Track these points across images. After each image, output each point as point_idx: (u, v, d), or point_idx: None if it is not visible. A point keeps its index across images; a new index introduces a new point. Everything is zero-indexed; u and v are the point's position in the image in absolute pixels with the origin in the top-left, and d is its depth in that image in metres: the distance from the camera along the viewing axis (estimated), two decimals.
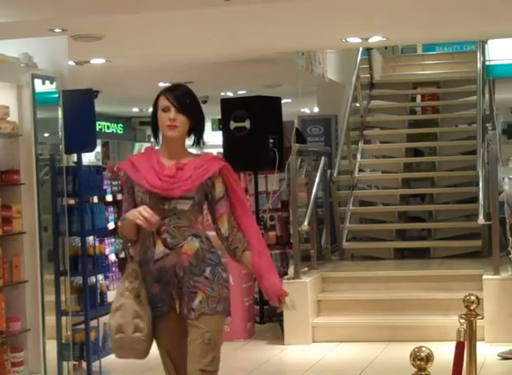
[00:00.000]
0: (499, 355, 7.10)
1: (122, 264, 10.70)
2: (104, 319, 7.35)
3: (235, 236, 3.98)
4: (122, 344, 3.90)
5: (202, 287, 3.87)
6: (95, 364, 6.64)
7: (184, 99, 3.88)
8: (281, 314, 8.13)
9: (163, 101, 3.88)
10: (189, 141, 3.99)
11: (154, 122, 3.95)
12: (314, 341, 8.05)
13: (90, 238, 6.74)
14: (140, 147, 20.39)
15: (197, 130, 3.96)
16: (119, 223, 3.96)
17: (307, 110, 17.24)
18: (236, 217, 3.98)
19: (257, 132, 8.81)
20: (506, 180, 11.83)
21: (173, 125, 3.85)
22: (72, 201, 6.66)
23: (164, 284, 3.88)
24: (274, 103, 9.25)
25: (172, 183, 3.84)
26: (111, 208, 10.26)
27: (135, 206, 3.85)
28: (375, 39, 9.14)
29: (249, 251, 3.98)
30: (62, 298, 6.47)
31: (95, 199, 7.15)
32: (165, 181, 3.84)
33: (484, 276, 7.89)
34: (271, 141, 8.95)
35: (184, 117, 3.86)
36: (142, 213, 3.73)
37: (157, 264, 3.86)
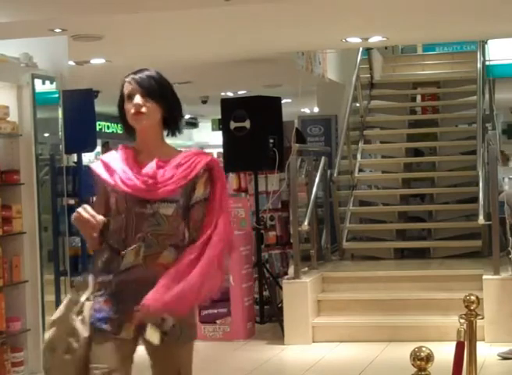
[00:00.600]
0: (499, 355, 7.10)
1: None
2: None
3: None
4: (51, 364, 3.32)
5: None
6: None
7: (151, 82, 3.37)
8: (281, 314, 8.14)
9: (127, 87, 3.37)
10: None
11: (122, 115, 3.42)
12: (314, 341, 8.05)
13: None
14: None
15: (171, 117, 3.44)
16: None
17: (307, 110, 17.25)
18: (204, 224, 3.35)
19: (257, 132, 8.81)
20: (506, 180, 11.83)
21: (140, 112, 3.33)
22: (72, 201, 6.66)
23: (119, 301, 3.30)
24: (274, 103, 9.24)
25: (153, 183, 3.32)
26: None
27: (106, 210, 3.37)
28: (375, 39, 9.14)
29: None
30: (62, 298, 6.47)
31: (95, 199, 7.14)
32: (143, 182, 3.32)
33: (484, 276, 7.89)
34: (271, 141, 8.94)
35: (153, 103, 3.35)
36: (81, 214, 3.25)
37: (119, 276, 3.30)
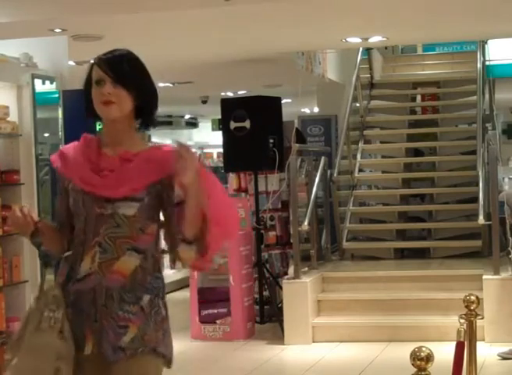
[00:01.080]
0: (499, 355, 7.10)
1: None
2: None
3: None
4: None
5: (135, 320, 2.90)
6: None
7: (123, 67, 2.93)
8: (281, 314, 8.14)
9: (96, 72, 2.95)
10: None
11: (88, 101, 3.01)
12: (314, 341, 8.05)
13: None
14: None
15: (145, 108, 3.00)
16: None
17: (307, 110, 17.24)
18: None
19: (257, 132, 8.81)
20: (506, 180, 11.84)
21: (108, 101, 2.92)
22: None
23: (77, 313, 2.93)
24: (274, 103, 9.25)
25: (114, 179, 2.92)
26: None
27: (68, 210, 3.00)
28: (375, 39, 9.14)
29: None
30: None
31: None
32: (103, 176, 2.93)
33: (484, 276, 7.89)
34: (271, 141, 8.94)
35: (124, 91, 2.92)
36: (15, 214, 2.92)
37: (76, 285, 2.93)
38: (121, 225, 2.91)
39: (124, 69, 2.93)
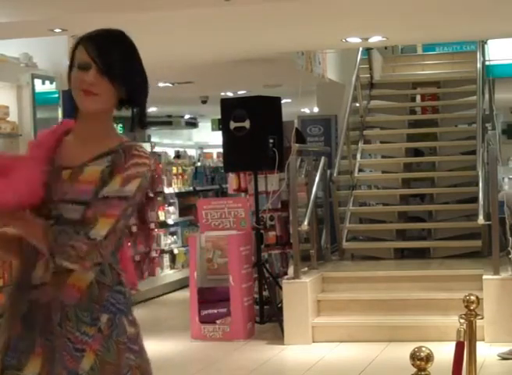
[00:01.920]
0: (499, 356, 7.10)
1: None
2: None
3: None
4: None
5: (93, 343, 2.49)
6: None
7: (113, 55, 2.53)
8: (281, 314, 8.14)
9: (81, 54, 2.54)
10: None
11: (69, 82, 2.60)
12: (314, 341, 8.05)
13: None
14: None
15: (132, 102, 2.61)
16: None
17: (307, 110, 17.24)
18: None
19: (257, 132, 8.81)
20: (506, 180, 11.84)
21: (90, 91, 2.54)
22: None
23: (29, 326, 2.53)
24: (274, 103, 9.25)
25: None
26: None
27: None
28: (375, 39, 9.14)
29: None
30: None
31: None
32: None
33: (484, 276, 7.89)
34: (271, 141, 8.94)
35: (110, 83, 2.52)
36: None
37: (33, 293, 2.56)
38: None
39: (114, 57, 2.52)
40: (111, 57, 2.52)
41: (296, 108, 15.37)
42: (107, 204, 2.49)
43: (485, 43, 11.51)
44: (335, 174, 9.72)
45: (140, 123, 2.66)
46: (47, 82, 6.67)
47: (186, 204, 12.62)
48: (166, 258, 11.94)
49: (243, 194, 9.60)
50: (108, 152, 2.56)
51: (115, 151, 2.56)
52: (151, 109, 17.78)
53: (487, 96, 11.32)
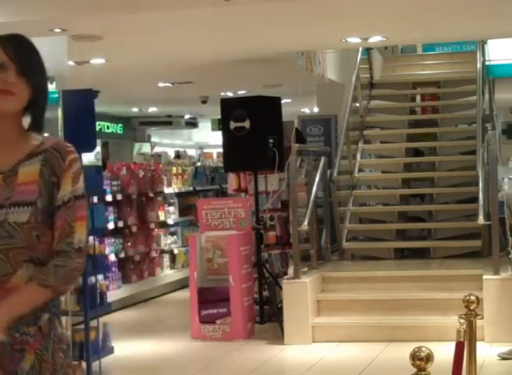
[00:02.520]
0: (499, 356, 7.10)
1: (122, 264, 10.75)
2: (104, 319, 7.37)
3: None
4: None
5: (33, 343, 2.49)
6: (95, 364, 6.64)
7: (30, 56, 2.57)
8: (281, 314, 8.14)
9: None
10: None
11: None
12: (314, 341, 8.05)
13: (90, 238, 6.73)
14: (139, 147, 20.41)
15: (35, 104, 2.58)
16: None
17: (307, 110, 17.25)
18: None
19: (257, 132, 8.81)
20: (506, 180, 11.84)
21: (8, 91, 2.50)
22: None
23: None
24: (274, 103, 9.25)
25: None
26: (110, 208, 10.30)
27: None
28: (375, 39, 9.14)
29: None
30: (62, 298, 6.45)
31: (95, 199, 7.15)
32: None
33: (484, 276, 7.89)
34: (271, 141, 8.95)
35: (24, 83, 2.52)
36: None
37: None
38: (14, 235, 2.49)
39: (31, 59, 2.56)
40: (29, 58, 2.55)
41: (296, 108, 15.37)
42: (72, 208, 2.53)
43: (485, 43, 11.52)
44: (335, 174, 9.72)
45: (39, 126, 2.63)
46: None
47: (186, 204, 12.62)
48: (166, 258, 11.95)
49: (243, 194, 9.60)
50: (38, 152, 2.58)
51: (44, 151, 2.57)
52: (151, 109, 17.79)
53: (487, 96, 11.33)
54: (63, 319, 2.74)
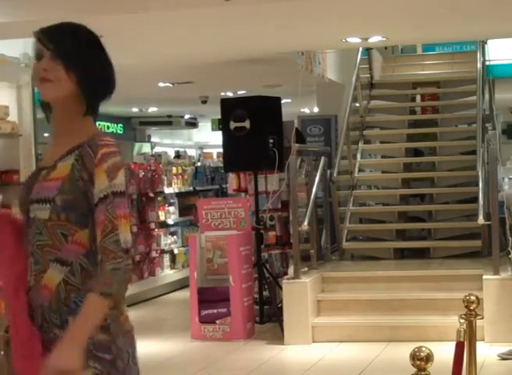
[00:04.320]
0: (499, 356, 7.10)
1: None
2: None
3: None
4: None
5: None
6: None
7: (65, 38, 2.47)
8: (281, 314, 8.14)
9: (35, 45, 2.50)
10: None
11: None
12: (314, 341, 8.05)
13: None
14: (140, 147, 20.41)
15: (82, 88, 2.48)
16: None
17: (307, 110, 17.24)
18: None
19: (257, 132, 8.81)
20: (506, 180, 11.84)
21: (44, 78, 2.45)
22: None
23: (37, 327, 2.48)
24: (274, 103, 9.25)
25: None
26: None
27: None
28: (375, 39, 9.13)
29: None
30: None
31: None
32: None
33: (484, 276, 7.89)
34: (271, 141, 8.95)
35: (63, 67, 2.44)
36: None
37: (29, 294, 2.50)
38: (42, 232, 2.45)
39: (66, 41, 2.46)
40: (63, 40, 2.46)
41: (296, 108, 15.37)
42: (110, 204, 2.42)
43: (485, 43, 11.52)
44: (335, 174, 9.72)
45: (92, 111, 2.54)
46: None
47: (186, 204, 12.62)
48: (166, 258, 11.95)
49: (243, 194, 9.60)
50: (77, 146, 2.49)
51: (82, 145, 2.48)
52: (151, 109, 17.78)
53: (487, 96, 11.33)
54: None
